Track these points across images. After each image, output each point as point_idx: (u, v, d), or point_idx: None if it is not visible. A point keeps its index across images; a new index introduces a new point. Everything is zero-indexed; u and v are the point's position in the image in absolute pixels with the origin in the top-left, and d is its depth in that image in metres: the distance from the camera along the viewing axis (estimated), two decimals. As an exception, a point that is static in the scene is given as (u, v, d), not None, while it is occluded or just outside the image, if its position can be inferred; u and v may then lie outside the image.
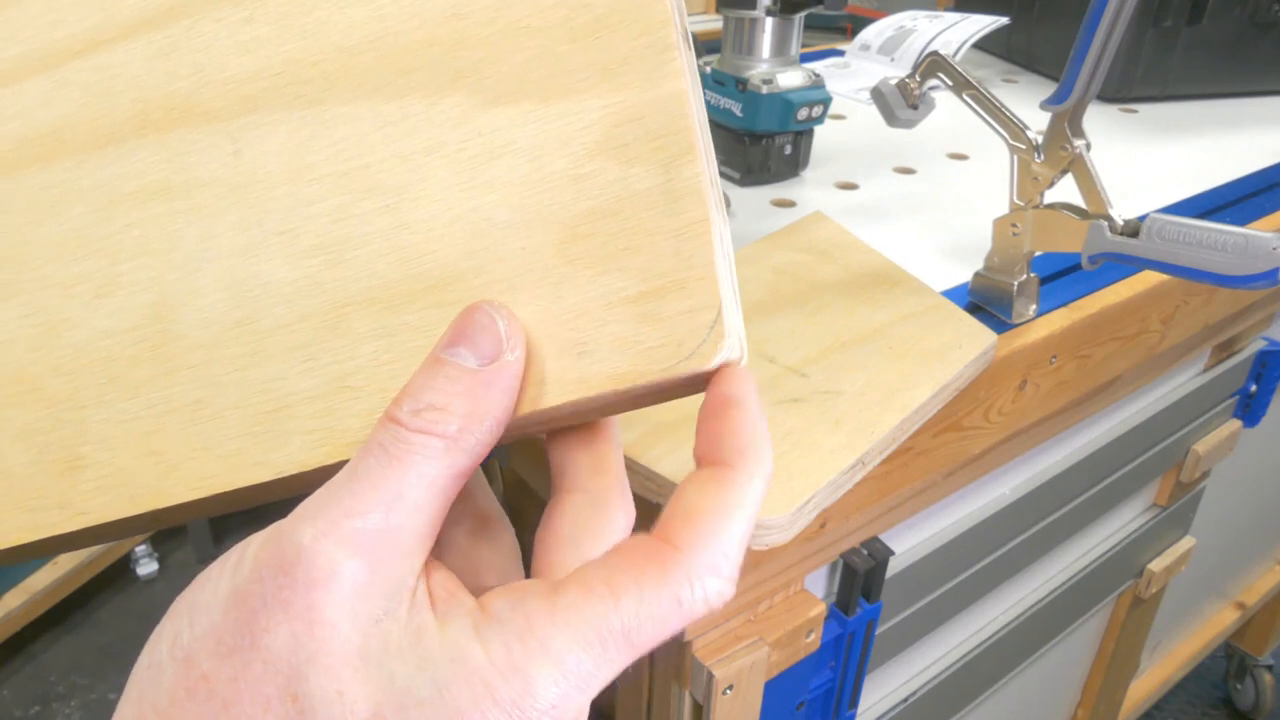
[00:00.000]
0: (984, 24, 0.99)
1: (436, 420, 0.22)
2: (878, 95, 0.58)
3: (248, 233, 0.29)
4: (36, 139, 0.31)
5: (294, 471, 0.27)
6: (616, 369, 0.25)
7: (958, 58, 0.94)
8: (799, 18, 0.69)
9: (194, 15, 0.30)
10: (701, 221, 0.25)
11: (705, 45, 0.82)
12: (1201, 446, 0.81)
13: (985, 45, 1.09)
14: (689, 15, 0.30)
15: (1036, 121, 0.50)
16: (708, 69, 0.73)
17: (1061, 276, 0.60)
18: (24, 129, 0.31)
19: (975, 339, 0.48)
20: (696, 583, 0.20)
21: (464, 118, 0.27)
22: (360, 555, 0.20)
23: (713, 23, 1.37)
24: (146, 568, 1.72)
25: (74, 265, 0.30)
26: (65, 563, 1.55)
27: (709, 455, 0.23)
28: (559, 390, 0.26)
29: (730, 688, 0.47)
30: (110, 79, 0.30)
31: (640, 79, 0.26)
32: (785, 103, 0.68)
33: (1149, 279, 0.59)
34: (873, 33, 1.06)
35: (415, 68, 0.28)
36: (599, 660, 0.20)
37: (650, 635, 0.20)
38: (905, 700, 0.67)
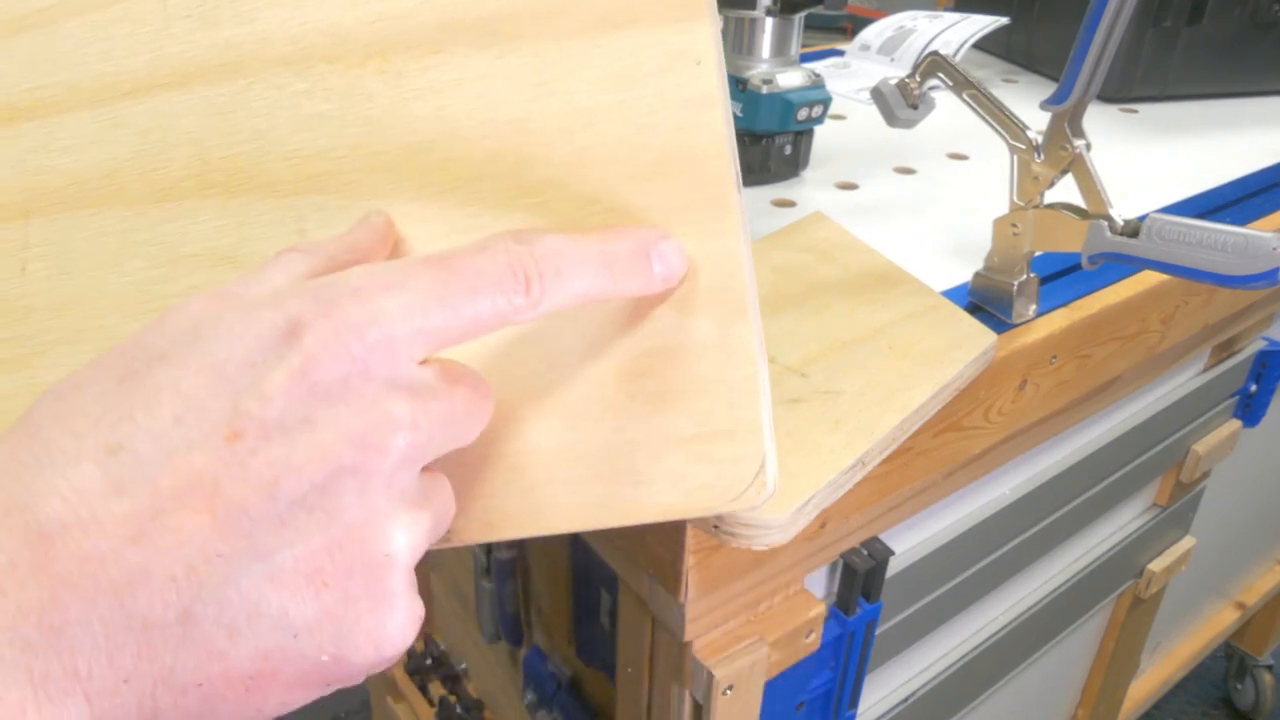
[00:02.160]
0: (984, 24, 0.99)
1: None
2: (878, 95, 0.58)
3: None
4: (92, 180, 0.31)
5: None
6: (669, 501, 0.27)
7: (958, 58, 0.94)
8: (799, 18, 0.69)
9: (250, 76, 0.30)
10: (751, 378, 0.27)
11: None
12: (1201, 446, 0.81)
13: (985, 45, 1.09)
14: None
15: (1036, 121, 0.50)
16: (708, 69, 0.72)
17: (1061, 276, 0.60)
18: (77, 166, 0.31)
19: (975, 339, 0.48)
20: None
21: None
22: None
23: (713, 23, 1.36)
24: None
25: (138, 320, 0.31)
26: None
27: None
28: (615, 515, 0.28)
29: (730, 688, 0.47)
30: (166, 129, 0.30)
31: (698, 232, 0.27)
32: (785, 103, 0.68)
33: (1149, 279, 0.59)
34: (873, 33, 1.06)
35: (482, 176, 0.28)
36: None
37: None
38: (905, 700, 0.67)
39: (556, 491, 0.28)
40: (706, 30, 0.27)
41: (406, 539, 0.23)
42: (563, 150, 0.28)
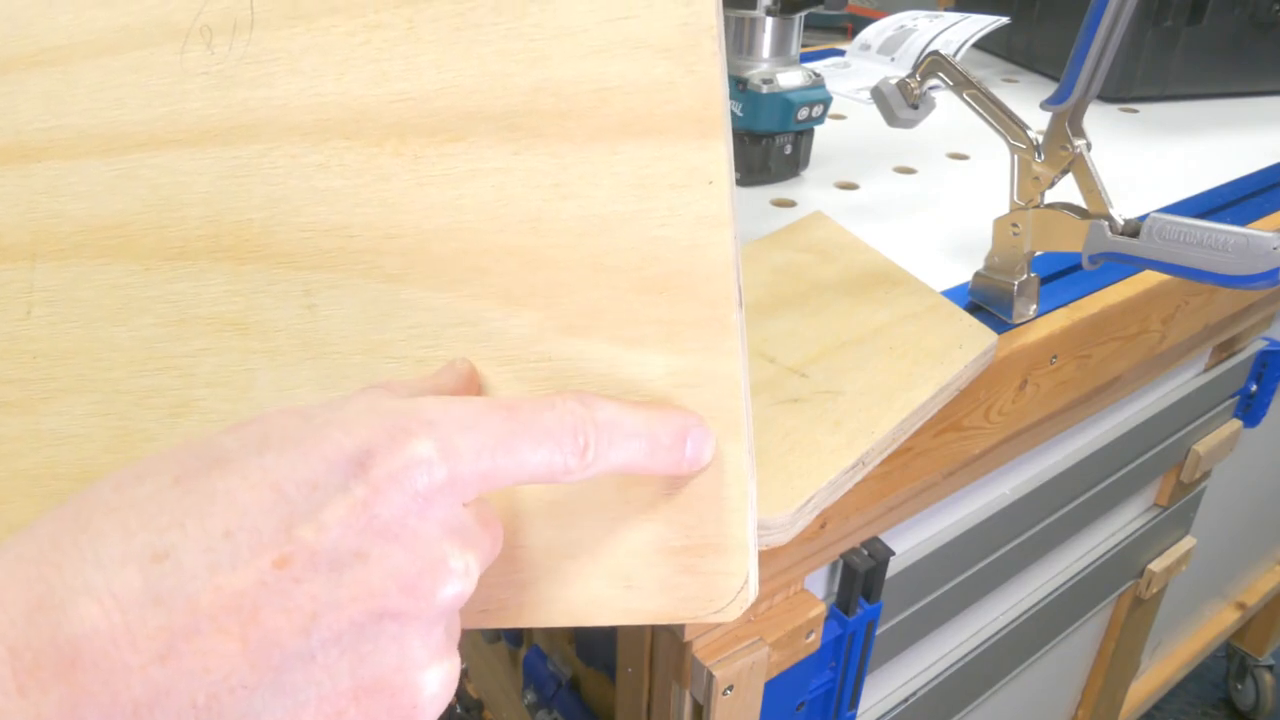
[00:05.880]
0: (984, 24, 0.99)
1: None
2: (878, 95, 0.58)
3: (325, 392, 0.30)
4: (102, 230, 0.31)
5: None
6: (658, 608, 0.29)
7: (958, 57, 0.94)
8: (799, 18, 0.69)
9: (266, 142, 0.30)
10: (741, 496, 0.28)
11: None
12: (1202, 447, 0.81)
13: (985, 45, 1.09)
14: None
15: (1037, 121, 0.49)
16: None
17: (1062, 276, 0.60)
18: (88, 215, 0.31)
19: (975, 339, 0.48)
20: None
21: (537, 338, 0.28)
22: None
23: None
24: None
25: (146, 377, 0.31)
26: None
27: None
28: (608, 614, 0.29)
29: (730, 688, 0.47)
30: (179, 188, 0.30)
31: (700, 349, 0.28)
32: (785, 103, 0.68)
33: (1149, 279, 0.59)
34: (873, 33, 1.06)
35: (493, 272, 0.28)
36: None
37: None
38: (905, 700, 0.66)
39: (551, 587, 0.29)
40: (721, 151, 0.27)
41: (436, 689, 0.22)
42: (575, 254, 0.28)
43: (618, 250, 0.28)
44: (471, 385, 0.29)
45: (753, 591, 0.28)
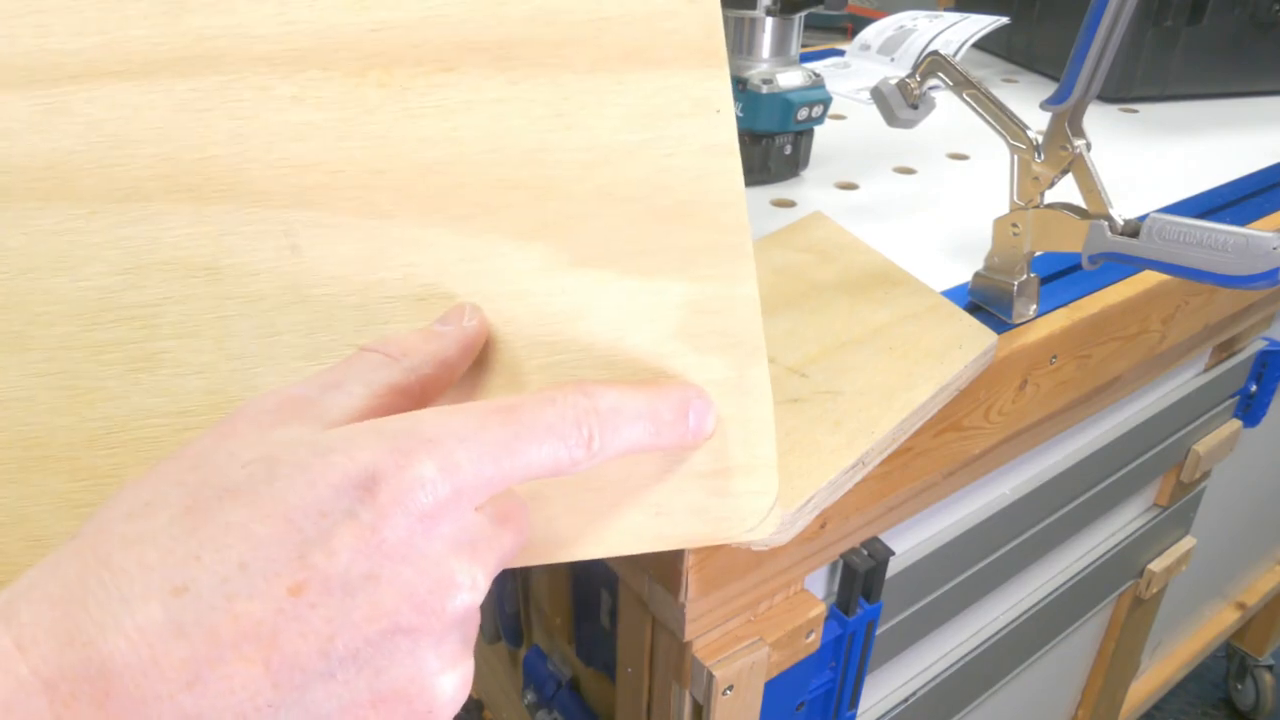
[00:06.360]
0: (984, 24, 0.99)
1: (387, 345, 0.27)
2: (878, 95, 0.58)
3: (312, 337, 0.28)
4: (28, 169, 0.28)
5: None
6: (689, 532, 0.29)
7: (958, 57, 0.94)
8: (799, 18, 0.69)
9: (228, 73, 0.27)
10: (767, 417, 0.28)
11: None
12: (1202, 447, 0.81)
13: (985, 45, 1.09)
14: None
15: (1037, 121, 0.49)
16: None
17: (1061, 276, 0.60)
18: (8, 153, 0.28)
19: (975, 339, 0.48)
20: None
21: (550, 270, 0.28)
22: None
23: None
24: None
25: (99, 330, 0.29)
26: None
27: None
28: (638, 542, 0.29)
29: (730, 688, 0.47)
30: (125, 122, 0.28)
31: (717, 275, 0.28)
32: (785, 103, 0.68)
33: (1149, 279, 0.59)
34: (873, 33, 1.06)
35: (500, 207, 0.28)
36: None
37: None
38: (905, 700, 0.66)
39: (579, 520, 0.29)
40: (726, 81, 0.27)
41: (451, 694, 0.23)
42: (583, 185, 0.27)
43: (627, 181, 0.27)
44: (475, 346, 0.28)
45: (780, 510, 0.28)
